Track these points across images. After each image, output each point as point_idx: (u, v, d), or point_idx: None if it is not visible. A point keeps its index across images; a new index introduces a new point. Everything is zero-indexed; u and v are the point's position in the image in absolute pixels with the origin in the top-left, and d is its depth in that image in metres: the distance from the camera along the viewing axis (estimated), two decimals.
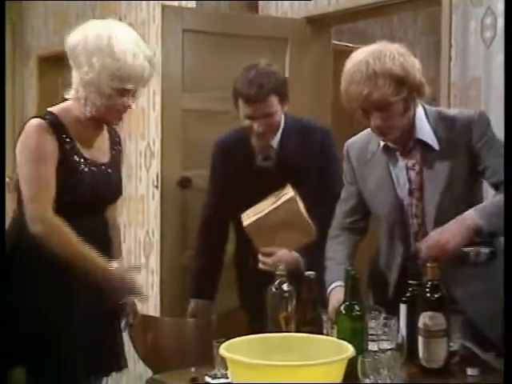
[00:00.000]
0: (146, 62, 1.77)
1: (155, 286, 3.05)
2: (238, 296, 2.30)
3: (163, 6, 2.80)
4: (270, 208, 1.93)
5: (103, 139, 1.89)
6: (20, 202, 1.80)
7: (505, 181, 1.55)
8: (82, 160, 1.78)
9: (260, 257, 2.01)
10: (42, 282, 1.74)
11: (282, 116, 2.13)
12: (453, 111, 1.77)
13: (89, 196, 1.78)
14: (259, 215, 1.94)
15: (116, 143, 1.94)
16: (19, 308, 1.74)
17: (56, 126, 1.75)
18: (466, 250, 1.55)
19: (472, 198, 1.68)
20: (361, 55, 1.63)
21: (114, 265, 1.75)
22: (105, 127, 1.89)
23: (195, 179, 2.76)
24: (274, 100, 2.06)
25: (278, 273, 1.58)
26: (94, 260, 1.72)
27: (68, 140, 1.76)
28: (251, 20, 3.01)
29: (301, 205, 1.95)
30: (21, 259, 1.76)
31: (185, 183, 2.78)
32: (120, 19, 3.29)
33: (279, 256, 1.98)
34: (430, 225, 1.69)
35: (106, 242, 1.88)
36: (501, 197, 1.56)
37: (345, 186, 1.90)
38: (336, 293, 1.72)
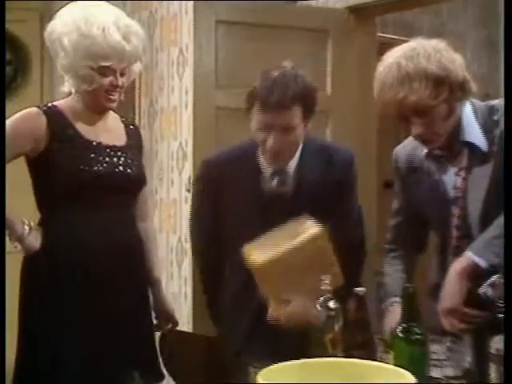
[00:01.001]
0: (129, 36, 1.72)
1: (188, 297, 2.94)
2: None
3: None
4: (293, 244, 1.53)
5: (114, 125, 1.84)
6: (43, 208, 1.75)
7: (505, 179, 1.42)
8: (89, 142, 1.73)
9: (272, 305, 1.61)
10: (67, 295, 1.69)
11: (303, 135, 1.78)
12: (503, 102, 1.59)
13: (105, 175, 1.72)
14: (277, 253, 1.52)
15: (132, 130, 1.88)
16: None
17: (53, 113, 1.72)
18: (480, 292, 1.40)
19: None
20: (392, 56, 1.50)
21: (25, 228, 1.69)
22: (117, 117, 1.84)
23: None
24: (298, 111, 1.70)
25: (323, 288, 1.43)
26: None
27: (69, 125, 1.73)
28: (290, 10, 2.90)
29: (327, 243, 1.57)
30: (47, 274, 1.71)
31: None
32: (151, 13, 3.20)
33: (296, 306, 1.59)
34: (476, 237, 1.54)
35: (130, 244, 1.79)
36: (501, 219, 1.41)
37: (396, 196, 1.77)
38: (392, 310, 1.59)
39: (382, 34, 3.17)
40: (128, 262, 1.76)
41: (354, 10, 2.94)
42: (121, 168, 1.76)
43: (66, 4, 1.79)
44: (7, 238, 1.70)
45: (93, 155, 1.72)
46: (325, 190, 1.79)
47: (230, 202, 1.80)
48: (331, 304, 1.42)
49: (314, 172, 1.80)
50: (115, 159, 1.76)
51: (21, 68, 3.52)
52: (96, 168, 1.71)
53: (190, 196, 2.93)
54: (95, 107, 1.76)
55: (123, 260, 1.75)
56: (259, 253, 1.54)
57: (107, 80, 1.70)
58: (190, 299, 2.88)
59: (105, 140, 1.77)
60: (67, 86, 1.76)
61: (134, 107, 3.26)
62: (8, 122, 1.71)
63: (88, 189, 1.70)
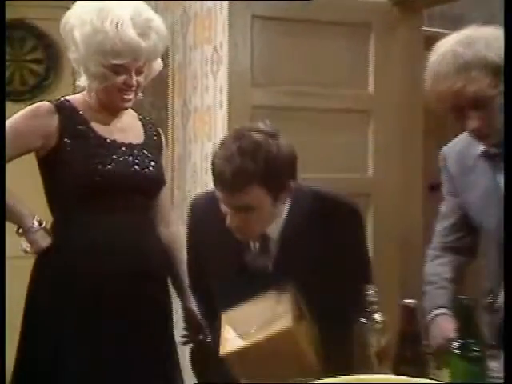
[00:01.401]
0: (148, 32, 1.62)
1: None
2: None
3: None
4: (261, 337, 1.41)
5: (130, 123, 1.77)
6: (54, 209, 1.70)
7: (505, 179, 1.39)
8: (103, 139, 1.68)
9: None
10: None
11: (281, 205, 1.54)
12: None
13: (120, 174, 1.66)
14: (245, 344, 1.42)
15: (150, 128, 1.81)
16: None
17: (65, 108, 1.67)
18: None
19: None
20: (446, 44, 1.45)
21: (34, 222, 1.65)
22: (134, 114, 1.79)
23: None
24: (258, 192, 1.45)
25: (368, 299, 1.36)
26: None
27: (81, 121, 1.67)
28: (329, 4, 2.82)
29: (301, 335, 1.43)
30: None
31: None
32: (184, 10, 3.18)
33: None
34: None
35: (147, 249, 1.72)
36: None
37: (444, 198, 1.70)
38: (439, 322, 1.53)
39: (428, 28, 3.07)
40: (144, 269, 1.70)
41: (398, 2, 2.84)
42: (137, 167, 1.69)
43: None
44: (15, 230, 1.65)
45: (106, 153, 1.66)
46: (320, 256, 1.52)
47: (208, 256, 1.63)
48: (377, 316, 1.36)
49: (306, 234, 1.53)
50: (131, 158, 1.69)
51: (53, 66, 3.54)
52: (110, 167, 1.64)
53: None
54: (108, 105, 1.69)
55: (139, 266, 1.68)
56: (228, 338, 1.45)
57: (120, 79, 1.63)
58: None
59: (120, 137, 1.70)
60: (82, 80, 1.70)
61: (166, 107, 3.24)
62: (16, 116, 1.66)
63: (101, 189, 1.63)
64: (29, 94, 3.53)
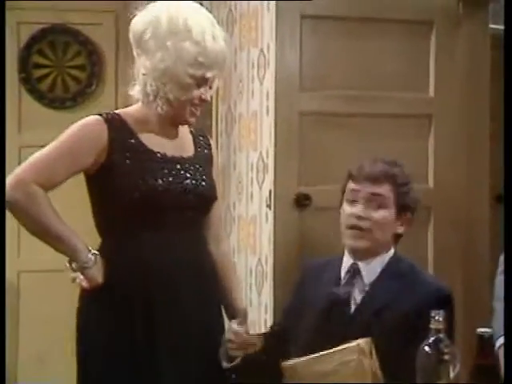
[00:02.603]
0: (225, 45, 1.67)
1: (269, 326, 2.81)
2: None
3: None
4: (319, 353, 1.55)
5: (181, 136, 1.75)
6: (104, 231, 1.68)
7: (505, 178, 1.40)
8: (154, 153, 1.66)
9: None
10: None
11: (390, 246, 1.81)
12: None
13: (172, 190, 1.64)
14: (300, 359, 1.58)
15: (201, 141, 1.80)
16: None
17: (115, 121, 1.66)
18: None
19: None
20: None
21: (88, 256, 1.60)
22: (186, 127, 1.76)
23: (315, 196, 2.60)
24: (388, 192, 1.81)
25: (433, 326, 1.24)
26: (71, 247, 1.60)
27: (131, 135, 1.66)
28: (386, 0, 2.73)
29: (360, 361, 1.50)
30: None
31: (302, 201, 2.62)
32: (230, 10, 3.14)
33: None
34: None
35: (199, 267, 1.70)
36: None
37: None
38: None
39: (494, 26, 2.94)
40: (198, 287, 1.68)
41: None
42: (189, 182, 1.68)
43: (143, 3, 1.71)
44: (67, 265, 1.61)
45: (158, 168, 1.64)
46: (399, 323, 1.66)
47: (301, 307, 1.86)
48: (444, 346, 1.25)
49: (394, 299, 1.72)
50: (182, 172, 1.68)
51: (96, 73, 3.54)
52: (162, 182, 1.63)
53: (270, 213, 2.84)
54: (174, 119, 1.69)
55: (193, 286, 1.67)
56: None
57: (198, 92, 1.65)
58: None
59: (171, 151, 1.69)
60: (136, 91, 1.69)
61: (211, 114, 3.19)
62: (67, 133, 1.64)
63: (154, 205, 1.62)
64: (71, 102, 3.53)
